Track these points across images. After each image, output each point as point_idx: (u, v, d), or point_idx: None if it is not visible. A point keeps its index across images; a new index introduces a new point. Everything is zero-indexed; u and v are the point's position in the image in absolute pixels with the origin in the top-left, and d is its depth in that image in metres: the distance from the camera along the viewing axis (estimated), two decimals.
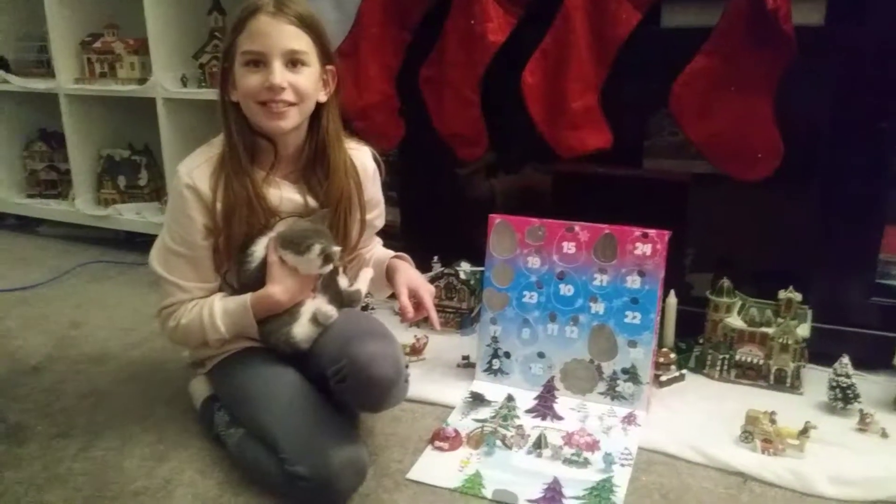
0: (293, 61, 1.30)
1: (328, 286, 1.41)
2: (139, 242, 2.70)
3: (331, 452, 1.20)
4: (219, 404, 1.44)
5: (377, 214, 1.56)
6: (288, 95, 1.29)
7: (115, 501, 1.25)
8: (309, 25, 1.31)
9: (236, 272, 1.39)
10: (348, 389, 1.25)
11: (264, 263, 1.35)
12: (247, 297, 1.34)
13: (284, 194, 1.39)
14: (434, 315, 1.49)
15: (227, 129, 1.35)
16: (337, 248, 1.33)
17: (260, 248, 1.36)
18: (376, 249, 1.62)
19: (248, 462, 1.31)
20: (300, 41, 1.30)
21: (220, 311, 1.35)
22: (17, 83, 2.84)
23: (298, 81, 1.30)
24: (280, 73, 1.28)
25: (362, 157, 1.48)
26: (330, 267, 1.34)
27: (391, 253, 1.59)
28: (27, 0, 2.82)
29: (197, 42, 2.48)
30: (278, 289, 1.33)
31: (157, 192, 2.85)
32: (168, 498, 1.25)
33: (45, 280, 2.42)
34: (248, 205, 1.34)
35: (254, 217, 1.35)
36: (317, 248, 1.30)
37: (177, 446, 1.42)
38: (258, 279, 1.35)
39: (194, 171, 1.34)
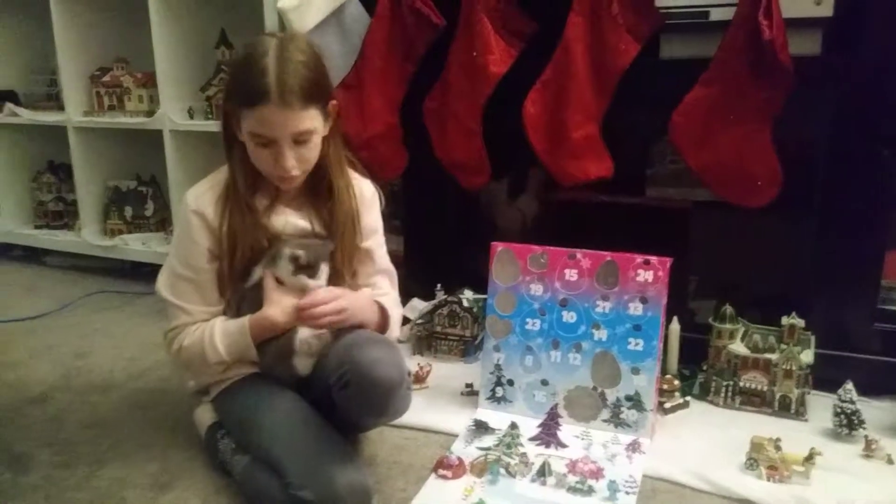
0: (301, 139, 1.32)
1: None
2: (145, 273, 2.72)
3: (336, 477, 1.21)
4: (223, 431, 1.44)
5: (376, 243, 1.54)
6: (296, 171, 1.33)
7: None
8: (312, 98, 1.31)
9: (236, 296, 1.42)
10: (351, 395, 1.27)
11: (261, 283, 1.38)
12: (245, 319, 1.37)
13: (289, 220, 1.43)
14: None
15: (230, 164, 1.40)
16: (302, 253, 1.35)
17: (258, 272, 1.40)
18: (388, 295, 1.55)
19: (254, 488, 1.31)
20: (307, 121, 1.31)
21: (219, 332, 1.38)
22: (27, 116, 2.89)
23: (306, 154, 1.34)
24: (290, 158, 1.31)
25: (360, 184, 1.51)
26: (304, 276, 1.36)
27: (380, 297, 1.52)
28: (38, 35, 2.88)
29: (204, 75, 2.53)
30: (274, 310, 1.36)
31: (162, 222, 2.88)
32: None
33: (51, 310, 2.44)
34: (252, 233, 1.38)
35: (257, 244, 1.39)
36: (286, 252, 1.34)
37: (181, 475, 1.41)
38: (256, 302, 1.38)
39: (200, 197, 1.39)
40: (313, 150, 1.36)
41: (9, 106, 2.90)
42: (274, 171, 1.34)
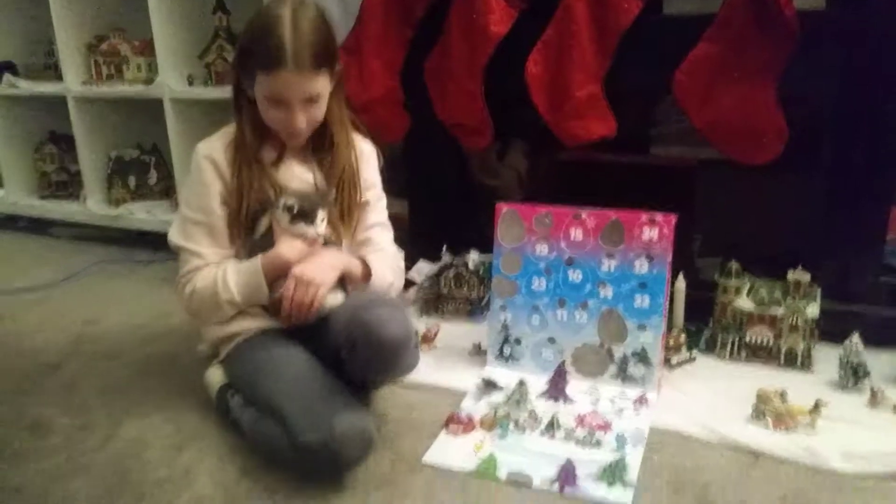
0: (312, 100, 1.41)
1: None
2: (150, 241, 2.73)
3: (336, 421, 1.22)
4: (233, 390, 1.47)
5: (373, 197, 1.59)
6: (306, 128, 1.43)
7: (138, 490, 1.27)
8: (323, 63, 1.38)
9: (246, 248, 1.47)
10: (360, 355, 1.31)
11: (268, 234, 1.44)
12: (257, 258, 1.42)
13: (294, 172, 1.50)
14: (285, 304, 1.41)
15: (237, 117, 1.48)
16: (295, 202, 1.40)
17: (265, 220, 1.45)
18: (383, 243, 1.60)
19: (260, 439, 1.35)
20: (317, 84, 1.39)
21: (232, 272, 1.43)
22: (26, 87, 2.87)
23: (315, 114, 1.44)
24: (300, 118, 1.41)
25: (359, 141, 1.58)
26: (301, 224, 1.41)
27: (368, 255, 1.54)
28: (33, 4, 2.85)
29: (202, 42, 2.51)
30: (286, 247, 1.41)
31: (166, 190, 2.88)
32: (190, 485, 1.28)
33: (59, 280, 2.45)
34: (259, 183, 1.45)
35: (263, 195, 1.45)
36: (280, 201, 1.42)
37: (195, 436, 1.44)
38: (265, 250, 1.43)
39: (211, 146, 1.48)
40: (321, 110, 1.45)
41: (8, 77, 2.88)
42: (284, 130, 1.43)
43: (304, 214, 1.41)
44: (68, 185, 3.07)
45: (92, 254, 2.74)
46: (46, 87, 2.85)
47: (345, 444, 1.22)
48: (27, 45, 3.06)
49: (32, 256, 2.78)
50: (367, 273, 1.48)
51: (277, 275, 1.41)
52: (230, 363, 1.51)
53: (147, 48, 2.62)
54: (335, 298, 1.43)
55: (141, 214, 2.74)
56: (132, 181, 2.84)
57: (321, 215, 1.43)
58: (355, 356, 1.32)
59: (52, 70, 2.98)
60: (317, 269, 1.40)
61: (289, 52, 1.32)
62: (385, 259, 1.55)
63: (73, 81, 2.73)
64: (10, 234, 3.13)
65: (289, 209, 1.40)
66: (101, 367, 1.78)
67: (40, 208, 3.04)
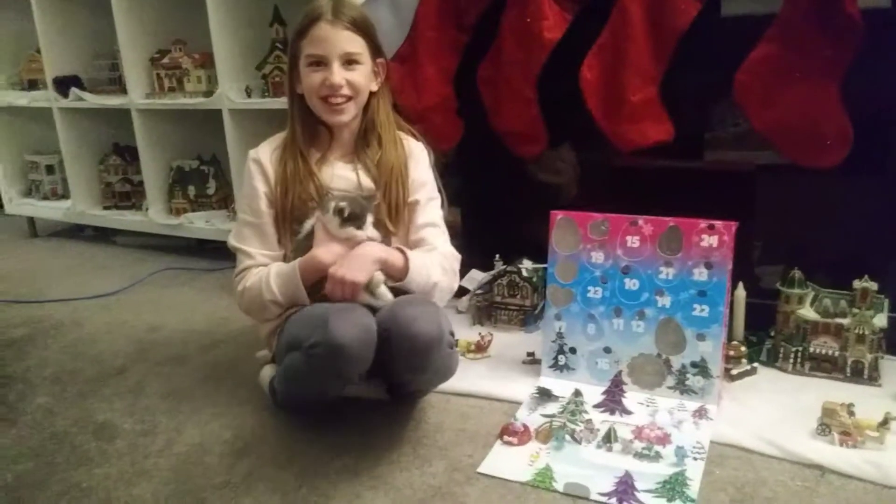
0: (349, 61, 1.50)
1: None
2: (209, 250, 2.80)
3: (338, 319, 1.28)
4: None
5: (424, 196, 1.59)
6: (345, 91, 1.50)
7: (200, 494, 1.30)
8: (361, 28, 1.50)
9: (290, 244, 1.52)
10: (392, 351, 1.32)
11: (312, 234, 1.48)
12: (296, 261, 1.47)
13: (337, 172, 1.55)
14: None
15: (291, 117, 1.56)
16: (346, 205, 1.42)
17: (310, 222, 1.50)
18: (437, 244, 1.58)
19: (284, 379, 1.46)
20: (354, 44, 1.50)
21: (274, 273, 1.48)
22: (92, 101, 2.98)
23: (354, 78, 1.50)
24: (339, 73, 1.48)
25: (409, 141, 1.62)
26: (352, 228, 1.43)
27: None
28: (98, 20, 2.96)
29: (259, 54, 2.56)
30: (321, 250, 1.45)
31: (224, 200, 2.95)
32: (249, 491, 1.30)
33: (123, 287, 2.54)
34: (302, 180, 1.51)
35: (306, 192, 1.51)
36: (331, 204, 1.44)
37: (255, 442, 1.47)
38: (307, 250, 1.48)
39: (260, 149, 1.58)
40: (361, 78, 1.51)
41: (74, 91, 2.99)
42: (321, 92, 1.49)
43: (355, 217, 1.44)
44: (131, 196, 3.17)
45: (154, 262, 2.83)
46: (111, 101, 2.95)
47: (346, 336, 1.26)
48: (92, 59, 3.17)
49: (97, 264, 2.88)
50: (406, 265, 1.46)
51: (315, 276, 1.45)
52: (276, 347, 1.54)
53: (207, 60, 2.69)
54: (385, 295, 1.43)
55: (200, 224, 2.81)
56: (192, 191, 2.92)
57: (370, 218, 1.46)
58: (389, 352, 1.34)
59: (117, 83, 3.09)
60: (352, 265, 1.40)
61: (326, 6, 1.47)
62: (433, 257, 1.52)
63: (136, 94, 2.82)
64: (77, 242, 3.26)
65: (339, 212, 1.42)
66: (164, 372, 1.83)
67: (104, 218, 3.15)
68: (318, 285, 1.45)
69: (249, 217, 1.55)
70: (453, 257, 1.59)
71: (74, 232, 3.37)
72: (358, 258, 1.42)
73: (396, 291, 1.45)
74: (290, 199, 1.52)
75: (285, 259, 1.53)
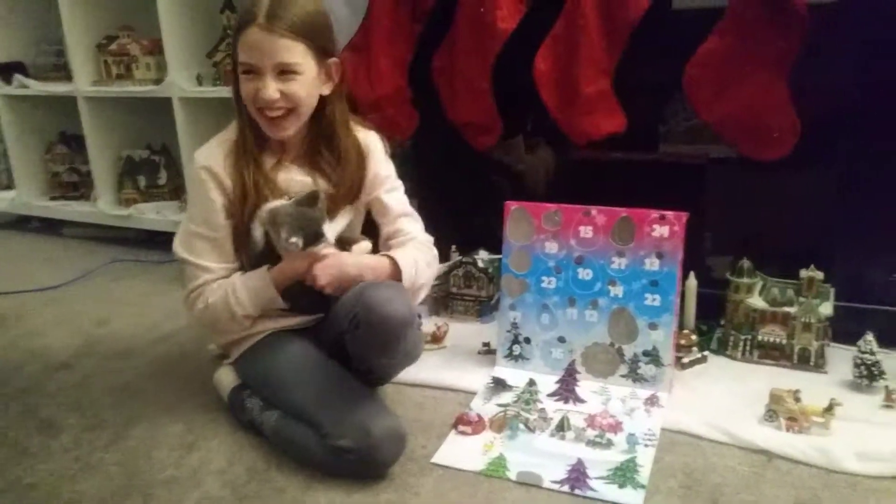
0: (284, 71, 1.33)
1: None
2: (160, 241, 2.73)
3: (371, 424, 1.24)
4: (248, 391, 1.46)
5: (389, 189, 1.54)
6: (280, 104, 1.34)
7: (147, 490, 1.27)
8: (303, 32, 1.32)
9: (244, 252, 1.44)
10: (362, 334, 1.30)
11: (266, 242, 1.39)
12: (265, 273, 1.40)
13: (294, 177, 1.44)
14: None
15: (239, 120, 1.43)
16: (300, 240, 1.32)
17: (258, 230, 1.40)
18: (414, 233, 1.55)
19: (288, 442, 1.35)
20: (291, 53, 1.32)
21: (241, 286, 1.40)
22: (36, 88, 2.89)
23: (290, 89, 1.34)
24: (271, 88, 1.32)
25: (365, 137, 1.52)
26: (314, 247, 1.34)
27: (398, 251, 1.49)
28: (43, 5, 2.87)
29: (210, 41, 2.51)
30: (297, 261, 1.38)
31: (176, 190, 2.89)
32: (198, 485, 1.27)
33: (70, 280, 2.46)
34: (258, 188, 1.40)
35: (264, 200, 1.40)
36: (283, 237, 1.32)
37: (205, 435, 1.44)
38: (261, 257, 1.41)
39: (209, 154, 1.41)
40: (300, 90, 1.34)
41: (18, 77, 2.90)
42: (255, 104, 1.34)
43: (313, 239, 1.34)
44: (79, 186, 3.09)
45: (103, 254, 2.75)
46: (56, 88, 2.86)
47: (382, 447, 1.24)
48: (37, 45, 3.07)
49: (44, 257, 2.79)
50: (398, 274, 1.43)
51: (288, 283, 1.40)
52: (243, 365, 1.50)
53: (156, 47, 2.63)
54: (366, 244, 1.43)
55: (151, 215, 2.75)
56: (142, 181, 2.85)
57: (327, 225, 1.36)
58: (358, 337, 1.32)
59: (62, 70, 3.00)
60: (336, 265, 1.38)
61: (262, 7, 1.28)
62: (418, 255, 1.48)
63: (83, 81, 2.74)
64: (22, 234, 3.15)
65: (294, 246, 1.32)
66: (112, 366, 1.78)
67: (51, 209, 3.06)
68: (290, 290, 1.41)
69: (204, 230, 1.41)
70: (431, 246, 1.56)
71: (19, 224, 3.26)
72: (340, 265, 1.39)
73: None
74: (248, 207, 1.39)
75: (242, 268, 1.45)
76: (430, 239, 1.57)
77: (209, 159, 1.40)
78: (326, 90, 1.41)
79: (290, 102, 1.35)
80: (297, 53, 1.32)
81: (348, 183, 1.47)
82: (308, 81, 1.36)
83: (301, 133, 1.44)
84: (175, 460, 1.36)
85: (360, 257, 1.43)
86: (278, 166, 1.44)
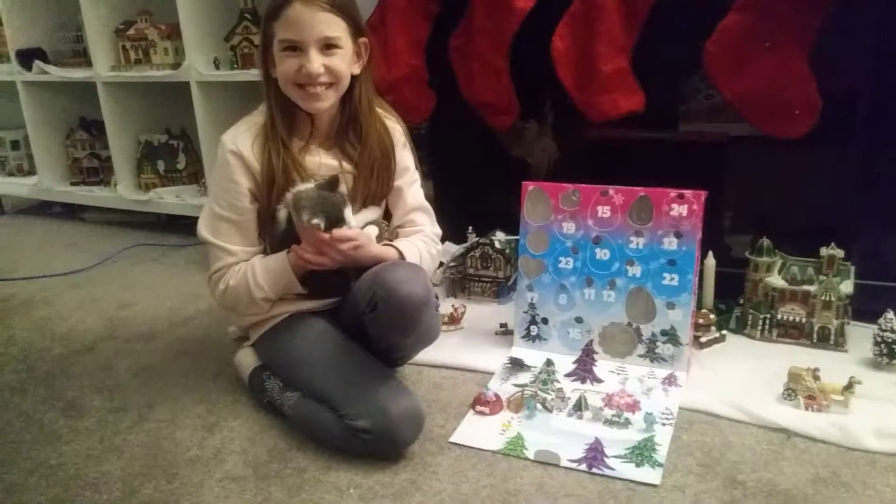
0: (327, 45, 1.36)
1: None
2: (180, 225, 2.77)
3: (390, 404, 1.26)
4: (268, 373, 1.48)
5: (407, 181, 1.55)
6: (324, 78, 1.37)
7: (171, 470, 1.29)
8: (341, 7, 1.36)
9: (269, 235, 1.45)
10: (380, 315, 1.31)
11: (289, 225, 1.39)
12: (284, 257, 1.41)
13: (322, 160, 1.45)
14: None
15: (268, 103, 1.43)
16: (323, 220, 1.31)
17: (282, 212, 1.41)
18: (424, 226, 1.57)
19: (308, 422, 1.36)
20: (333, 26, 1.35)
21: (261, 269, 1.42)
22: (56, 74, 2.91)
23: (333, 64, 1.37)
24: (316, 61, 1.34)
25: (391, 124, 1.53)
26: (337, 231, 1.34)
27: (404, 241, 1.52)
28: None
29: (227, 24, 2.51)
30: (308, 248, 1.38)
31: (195, 175, 2.90)
32: (220, 465, 1.30)
33: (92, 264, 2.50)
34: (286, 172, 1.40)
35: (291, 184, 1.40)
36: (305, 217, 1.31)
37: (226, 416, 1.46)
38: (285, 240, 1.41)
39: (238, 138, 1.42)
40: (340, 64, 1.38)
41: (37, 64, 2.92)
42: (297, 80, 1.36)
43: (335, 221, 1.34)
44: (99, 171, 3.12)
45: (124, 238, 2.79)
46: (76, 73, 2.88)
47: (401, 426, 1.26)
48: (55, 31, 3.09)
49: (66, 242, 2.83)
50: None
51: (306, 269, 1.40)
52: (263, 347, 1.52)
53: (174, 32, 2.63)
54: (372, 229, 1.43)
55: (170, 199, 2.77)
56: (161, 166, 2.87)
57: (348, 209, 1.37)
58: (377, 318, 1.33)
59: (81, 56, 3.02)
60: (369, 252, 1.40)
61: None
62: (422, 245, 1.51)
63: (101, 67, 2.76)
64: (44, 219, 3.20)
65: (317, 227, 1.31)
66: (135, 349, 1.81)
67: (72, 194, 3.09)
68: (309, 275, 1.41)
69: (228, 213, 1.42)
70: (437, 240, 1.59)
71: (42, 209, 3.31)
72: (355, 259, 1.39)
73: None
74: (276, 191, 1.40)
75: (265, 252, 1.47)
76: (437, 233, 1.60)
77: (237, 143, 1.41)
78: (357, 69, 1.43)
79: (332, 77, 1.37)
80: (338, 27, 1.36)
81: (369, 164, 1.47)
82: (347, 56, 1.39)
83: (330, 114, 1.46)
84: (198, 441, 1.38)
85: (369, 249, 1.41)
86: (306, 149, 1.45)
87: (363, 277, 1.38)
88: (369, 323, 1.35)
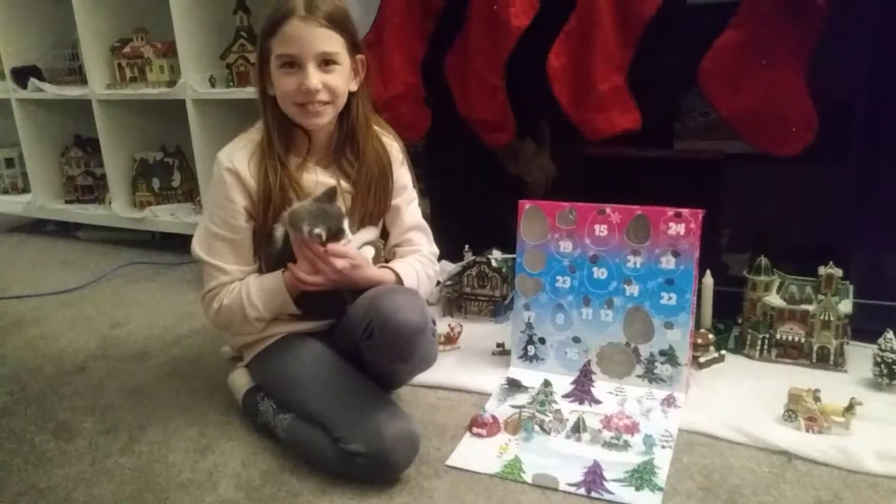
0: (325, 61, 1.35)
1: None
2: (174, 243, 2.75)
3: (384, 428, 1.24)
4: (262, 394, 1.46)
5: (405, 200, 1.54)
6: (323, 96, 1.35)
7: (162, 494, 1.27)
8: (339, 23, 1.35)
9: (264, 254, 1.44)
10: (377, 342, 1.29)
11: (285, 244, 1.38)
12: (279, 277, 1.39)
13: (319, 178, 1.43)
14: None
15: (264, 121, 1.42)
16: (323, 231, 1.31)
17: (279, 231, 1.40)
18: (421, 247, 1.56)
19: (302, 444, 1.34)
20: (331, 42, 1.34)
21: (255, 288, 1.40)
22: (52, 91, 2.90)
23: (331, 81, 1.35)
24: (315, 77, 1.33)
25: (388, 141, 1.52)
26: (334, 244, 1.33)
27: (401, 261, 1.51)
28: (57, 8, 2.88)
29: (223, 42, 2.51)
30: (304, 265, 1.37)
31: (190, 193, 2.89)
32: (213, 489, 1.27)
33: (86, 282, 2.48)
34: (283, 190, 1.39)
35: (288, 203, 1.39)
36: (305, 229, 1.31)
37: (219, 438, 1.44)
38: (281, 259, 1.39)
39: (234, 155, 1.40)
40: (339, 80, 1.36)
41: (33, 81, 2.91)
42: (296, 98, 1.35)
43: (335, 234, 1.33)
44: (94, 189, 3.10)
45: (118, 257, 2.77)
46: (71, 91, 2.87)
47: (396, 449, 1.23)
48: (51, 49, 3.09)
49: (59, 259, 2.81)
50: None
51: (300, 290, 1.39)
52: (257, 367, 1.50)
53: (169, 50, 2.63)
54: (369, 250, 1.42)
55: (165, 217, 2.76)
56: (156, 183, 2.86)
57: (346, 222, 1.36)
58: (373, 345, 1.30)
59: (77, 73, 3.02)
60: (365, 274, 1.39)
61: (300, 1, 1.31)
62: (419, 266, 1.50)
63: (97, 84, 2.75)
64: (38, 237, 3.18)
65: (318, 237, 1.31)
66: (127, 369, 1.79)
67: (66, 212, 3.08)
68: (304, 295, 1.40)
69: (223, 231, 1.40)
70: (434, 259, 1.57)
71: (36, 227, 3.29)
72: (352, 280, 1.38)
73: None
74: (272, 210, 1.39)
75: (260, 271, 1.45)
76: (435, 252, 1.58)
77: (233, 160, 1.39)
78: (354, 86, 1.42)
79: (330, 94, 1.36)
80: (336, 43, 1.35)
81: (366, 182, 1.46)
82: (345, 73, 1.38)
83: (327, 132, 1.44)
84: (190, 464, 1.36)
85: (366, 271, 1.40)
86: (303, 167, 1.43)
87: (359, 302, 1.37)
88: (365, 349, 1.33)
